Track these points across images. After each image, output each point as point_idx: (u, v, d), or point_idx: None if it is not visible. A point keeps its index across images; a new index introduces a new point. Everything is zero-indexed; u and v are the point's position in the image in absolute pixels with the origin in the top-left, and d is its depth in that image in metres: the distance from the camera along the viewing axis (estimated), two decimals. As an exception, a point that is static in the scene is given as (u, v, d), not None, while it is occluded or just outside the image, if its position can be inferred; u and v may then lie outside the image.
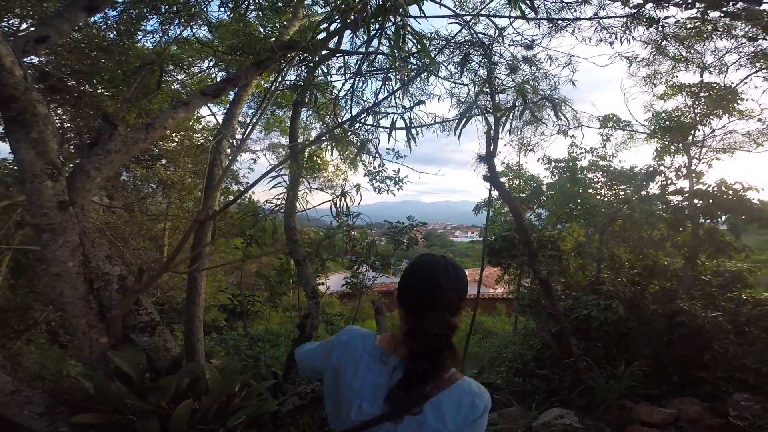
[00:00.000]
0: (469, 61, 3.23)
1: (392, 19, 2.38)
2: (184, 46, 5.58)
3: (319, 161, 7.22)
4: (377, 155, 4.43)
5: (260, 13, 4.48)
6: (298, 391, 2.57)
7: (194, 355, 3.93)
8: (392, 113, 2.28)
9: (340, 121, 5.30)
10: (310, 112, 5.60)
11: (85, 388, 1.52)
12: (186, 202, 9.82)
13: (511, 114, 3.22)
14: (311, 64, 4.32)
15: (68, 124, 5.60)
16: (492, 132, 3.65)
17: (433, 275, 1.05)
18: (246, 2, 4.24)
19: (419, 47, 2.11)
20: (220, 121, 6.59)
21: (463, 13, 4.22)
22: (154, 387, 1.54)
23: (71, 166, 3.71)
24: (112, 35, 4.98)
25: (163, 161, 8.80)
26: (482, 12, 4.29)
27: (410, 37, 2.33)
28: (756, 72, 6.26)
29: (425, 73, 2.49)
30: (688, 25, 5.05)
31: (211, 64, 6.19)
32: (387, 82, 2.72)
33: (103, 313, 1.81)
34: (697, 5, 2.82)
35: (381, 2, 2.35)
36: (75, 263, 1.77)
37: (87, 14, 2.78)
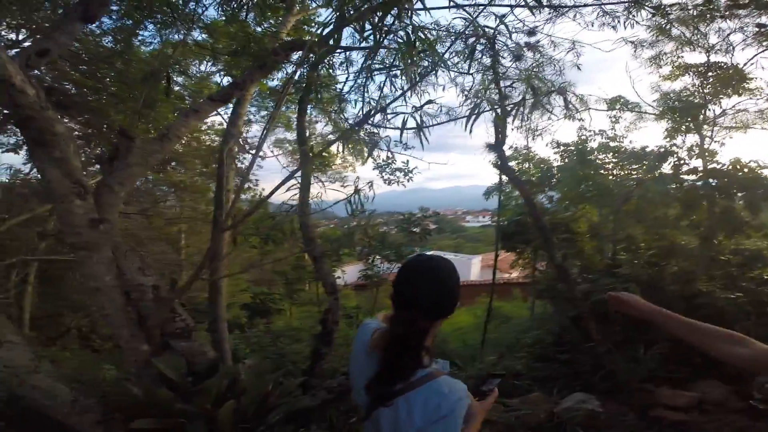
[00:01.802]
0: (474, 56, 3.21)
1: (399, 19, 2.40)
2: (183, 50, 5.62)
3: (328, 156, 7.28)
4: (387, 150, 4.47)
5: (255, 11, 4.43)
6: (326, 385, 2.66)
7: (222, 355, 4.06)
8: (402, 113, 2.31)
9: (344, 116, 5.35)
10: (316, 107, 5.63)
11: (134, 394, 1.62)
12: (199, 203, 9.99)
13: (520, 107, 3.22)
14: (314, 62, 4.34)
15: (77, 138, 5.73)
16: (500, 121, 3.65)
17: (410, 277, 1.12)
18: (240, 2, 4.22)
19: (428, 48, 2.13)
20: (226, 122, 6.66)
21: (466, 3, 4.19)
22: (198, 390, 1.64)
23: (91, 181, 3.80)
24: (109, 43, 5.01)
25: (173, 164, 8.94)
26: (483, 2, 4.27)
27: (420, 34, 2.34)
28: (762, 51, 6.10)
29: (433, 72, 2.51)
30: (690, 9, 4.92)
31: (210, 65, 6.21)
32: (394, 80, 2.75)
33: (141, 321, 1.91)
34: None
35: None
36: (111, 277, 1.87)
37: (83, 24, 2.82)
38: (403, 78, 2.55)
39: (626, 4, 4.25)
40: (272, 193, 2.75)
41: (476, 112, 2.13)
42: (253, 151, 8.90)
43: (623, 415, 3.79)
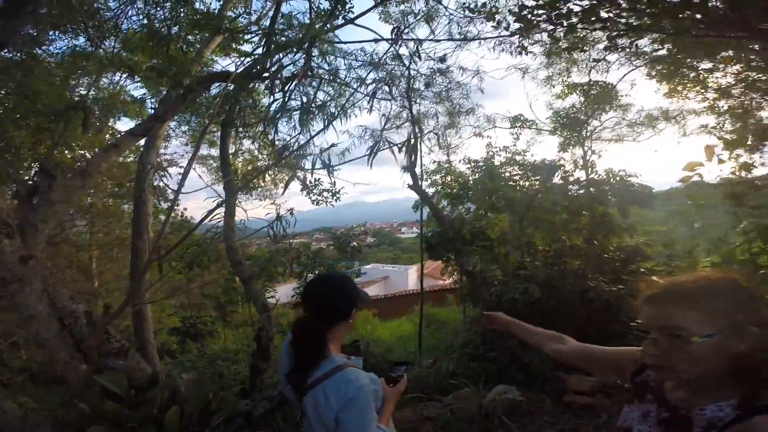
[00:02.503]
0: (381, 90, 3.72)
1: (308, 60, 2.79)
2: (94, 62, 5.36)
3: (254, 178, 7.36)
4: (311, 173, 4.76)
5: (183, 29, 4.41)
6: (267, 395, 2.87)
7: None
8: (311, 154, 2.70)
9: (269, 140, 5.54)
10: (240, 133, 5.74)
11: (81, 409, 1.74)
12: (113, 228, 9.35)
13: (417, 142, 3.78)
14: (234, 95, 4.45)
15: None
16: (411, 146, 4.20)
17: (307, 290, 1.46)
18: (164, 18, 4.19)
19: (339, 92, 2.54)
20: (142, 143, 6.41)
21: (384, 37, 4.72)
22: (143, 400, 1.81)
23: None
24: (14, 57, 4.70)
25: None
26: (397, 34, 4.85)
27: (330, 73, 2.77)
28: (632, 71, 7.50)
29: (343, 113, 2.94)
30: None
31: (125, 77, 5.95)
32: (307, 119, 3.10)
33: (77, 345, 2.01)
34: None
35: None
36: (44, 306, 1.96)
37: None
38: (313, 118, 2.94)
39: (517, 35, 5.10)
40: (200, 222, 2.93)
41: (374, 150, 2.58)
42: (173, 167, 8.62)
43: (541, 402, 4.24)
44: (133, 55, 5.26)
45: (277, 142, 5.50)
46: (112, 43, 5.10)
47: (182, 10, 4.21)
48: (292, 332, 1.42)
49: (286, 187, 3.73)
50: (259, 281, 4.88)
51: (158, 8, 4.12)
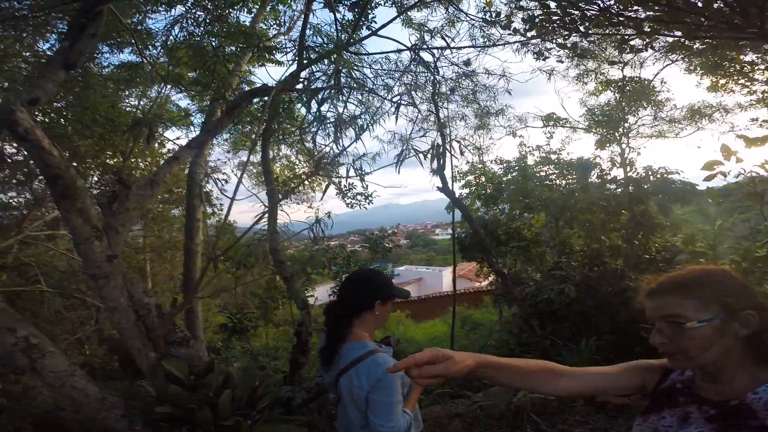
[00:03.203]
0: (407, 97, 3.89)
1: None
2: (142, 74, 5.79)
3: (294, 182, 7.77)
4: (347, 178, 5.03)
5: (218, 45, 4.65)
6: (304, 386, 3.12)
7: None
8: (345, 163, 2.94)
9: (307, 147, 5.87)
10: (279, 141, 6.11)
11: (148, 392, 2.05)
12: (165, 231, 10.11)
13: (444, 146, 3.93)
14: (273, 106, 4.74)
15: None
16: (438, 150, 4.35)
17: (348, 280, 1.66)
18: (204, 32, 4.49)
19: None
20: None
21: (406, 45, 4.88)
22: (200, 384, 2.10)
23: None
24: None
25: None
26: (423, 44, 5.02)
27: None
28: (667, 65, 7.20)
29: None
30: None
31: (170, 88, 6.43)
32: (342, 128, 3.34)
33: (148, 334, 2.35)
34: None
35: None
36: (124, 299, 2.31)
37: (65, 71, 3.11)
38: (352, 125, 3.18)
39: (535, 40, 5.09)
40: (250, 229, 3.23)
41: (401, 158, 2.77)
42: (217, 173, 9.20)
43: (572, 401, 4.12)
44: (176, 68, 5.70)
45: (313, 150, 5.85)
46: (158, 56, 5.56)
47: (218, 24, 4.55)
48: (324, 312, 1.64)
49: (324, 192, 3.99)
50: (299, 281, 5.19)
51: (198, 24, 4.45)
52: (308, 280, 5.87)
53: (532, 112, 8.91)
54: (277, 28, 4.84)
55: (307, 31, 3.65)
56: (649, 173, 7.20)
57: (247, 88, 4.27)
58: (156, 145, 7.51)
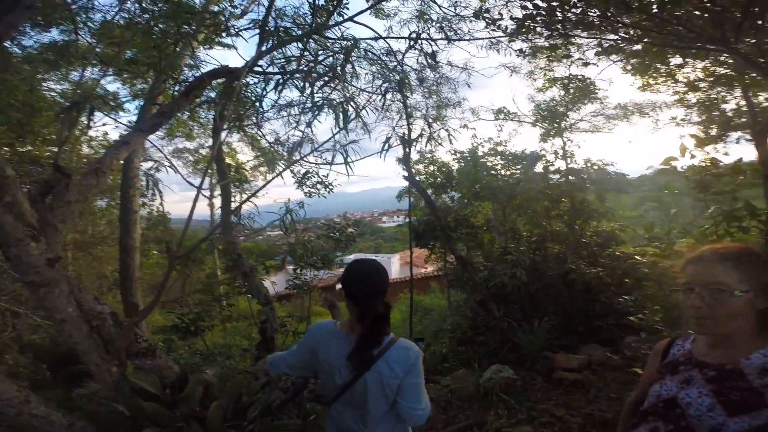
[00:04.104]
0: (390, 87, 3.80)
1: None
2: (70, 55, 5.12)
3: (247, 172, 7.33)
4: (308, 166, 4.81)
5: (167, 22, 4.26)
6: (280, 386, 2.96)
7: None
8: (331, 150, 2.78)
9: (263, 134, 5.54)
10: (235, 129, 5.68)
11: (119, 411, 1.78)
12: (89, 225, 9.06)
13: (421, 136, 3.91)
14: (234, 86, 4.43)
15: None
16: (407, 139, 4.32)
17: (370, 277, 1.50)
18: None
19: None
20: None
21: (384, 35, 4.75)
22: (181, 398, 1.87)
23: None
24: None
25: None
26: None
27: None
28: (609, 66, 7.80)
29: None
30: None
31: (99, 71, 5.76)
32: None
33: (106, 346, 2.04)
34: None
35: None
36: (73, 308, 1.98)
37: None
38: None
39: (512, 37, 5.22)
40: (214, 230, 2.93)
41: (386, 147, 2.69)
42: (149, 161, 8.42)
43: (533, 379, 4.45)
44: (120, 48, 5.09)
45: (268, 137, 5.51)
46: (93, 36, 4.92)
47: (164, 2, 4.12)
48: (375, 312, 1.46)
49: (270, 180, 3.71)
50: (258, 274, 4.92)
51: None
52: (267, 273, 5.59)
53: (484, 105, 9.20)
54: (232, 9, 4.45)
55: (271, 15, 3.38)
56: (588, 165, 7.83)
57: (202, 71, 3.86)
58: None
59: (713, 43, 2.32)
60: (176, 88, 4.51)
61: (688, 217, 3.05)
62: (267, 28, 3.68)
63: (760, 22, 2.56)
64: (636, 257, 5.25)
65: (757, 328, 1.07)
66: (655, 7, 2.67)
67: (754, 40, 2.78)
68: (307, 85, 2.75)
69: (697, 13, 2.63)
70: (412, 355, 1.47)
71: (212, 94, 5.01)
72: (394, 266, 20.85)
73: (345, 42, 3.26)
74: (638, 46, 5.00)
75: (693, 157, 2.65)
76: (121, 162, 5.76)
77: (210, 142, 9.38)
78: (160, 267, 10.72)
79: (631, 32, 2.84)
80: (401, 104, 5.42)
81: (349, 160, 2.44)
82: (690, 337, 1.26)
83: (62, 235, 2.24)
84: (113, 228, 8.45)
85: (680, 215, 3.14)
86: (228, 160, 7.53)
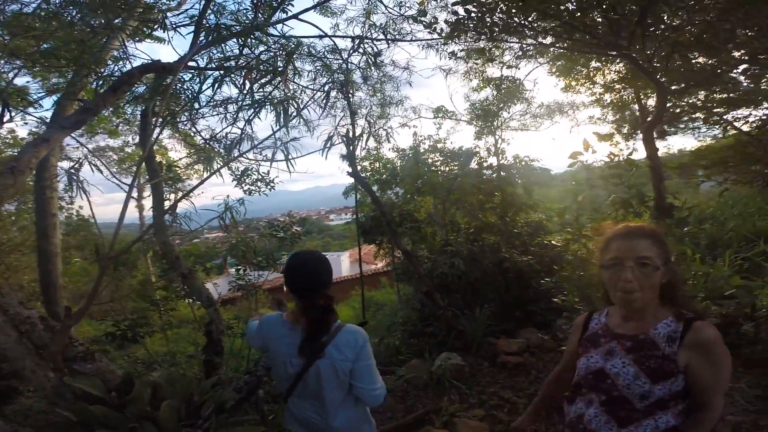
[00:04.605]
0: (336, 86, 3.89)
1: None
2: None
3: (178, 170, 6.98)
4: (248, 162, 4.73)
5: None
6: (233, 386, 2.95)
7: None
8: (272, 146, 2.83)
9: (196, 130, 5.34)
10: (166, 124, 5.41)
11: (65, 416, 1.71)
12: (4, 231, 8.13)
13: (362, 138, 4.08)
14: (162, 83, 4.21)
15: None
16: (353, 136, 4.46)
17: (313, 270, 1.50)
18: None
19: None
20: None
21: (331, 32, 4.80)
22: (129, 400, 1.85)
23: None
24: None
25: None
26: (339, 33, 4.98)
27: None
28: (536, 68, 8.50)
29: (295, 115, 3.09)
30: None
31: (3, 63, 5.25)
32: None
33: (38, 351, 1.94)
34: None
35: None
36: (-2, 315, 1.87)
37: None
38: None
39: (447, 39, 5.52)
40: (147, 231, 2.87)
41: (329, 145, 2.80)
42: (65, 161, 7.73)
43: (479, 365, 4.62)
44: (24, 41, 4.64)
45: (204, 133, 5.32)
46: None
47: None
48: (316, 304, 1.49)
49: (206, 178, 3.65)
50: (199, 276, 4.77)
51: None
52: (208, 274, 5.41)
53: (425, 104, 9.58)
54: (168, 2, 4.25)
55: (210, 9, 3.33)
56: (517, 161, 8.51)
57: (132, 66, 3.66)
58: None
59: (611, 48, 2.72)
60: (99, 83, 4.24)
61: (593, 205, 3.54)
62: (205, 23, 3.61)
63: (652, 28, 3.03)
64: (554, 242, 5.71)
65: (659, 300, 1.20)
66: (566, 14, 3.06)
67: (644, 46, 3.28)
68: (247, 82, 2.76)
69: (600, 20, 3.04)
70: (360, 338, 1.51)
71: (141, 90, 4.78)
72: (344, 264, 20.84)
73: (286, 41, 3.30)
74: (557, 51, 5.59)
75: (595, 152, 3.09)
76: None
77: (136, 139, 8.78)
78: (84, 274, 9.85)
79: (548, 38, 3.22)
80: (345, 102, 5.56)
81: (290, 157, 2.51)
82: (604, 311, 1.35)
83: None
84: (27, 234, 7.63)
85: (587, 203, 3.62)
86: (158, 158, 7.12)
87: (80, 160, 4.23)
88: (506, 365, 4.52)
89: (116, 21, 3.50)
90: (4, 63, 5.30)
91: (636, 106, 7.41)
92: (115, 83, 3.20)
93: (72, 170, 3.59)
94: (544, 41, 4.17)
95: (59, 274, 5.63)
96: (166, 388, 2.12)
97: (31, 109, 6.33)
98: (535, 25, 3.33)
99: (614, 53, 3.45)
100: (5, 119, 2.91)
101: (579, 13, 3.04)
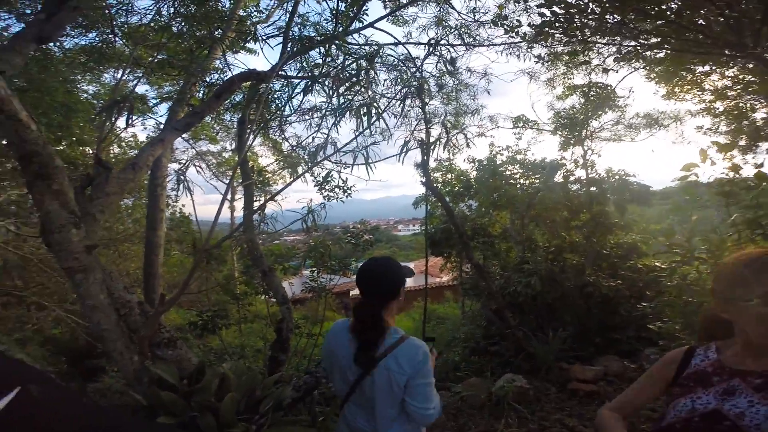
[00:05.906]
0: (410, 93, 3.87)
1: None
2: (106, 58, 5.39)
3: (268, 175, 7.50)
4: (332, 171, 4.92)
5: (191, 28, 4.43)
6: (293, 385, 3.00)
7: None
8: (353, 151, 2.85)
9: (285, 137, 5.69)
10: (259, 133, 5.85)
11: (137, 400, 1.85)
12: (116, 222, 9.39)
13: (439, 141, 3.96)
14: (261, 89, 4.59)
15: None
16: (425, 143, 4.36)
17: (370, 272, 1.53)
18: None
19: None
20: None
21: (403, 41, 4.84)
22: (198, 389, 1.93)
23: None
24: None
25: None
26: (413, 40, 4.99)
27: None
28: (630, 73, 7.68)
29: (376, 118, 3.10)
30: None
31: (128, 73, 6.01)
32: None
33: (131, 335, 2.13)
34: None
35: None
36: (104, 296, 2.09)
37: (37, 45, 2.81)
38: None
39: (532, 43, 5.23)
40: (235, 230, 3.02)
41: (405, 150, 2.74)
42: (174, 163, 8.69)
43: (546, 390, 4.39)
44: (144, 51, 5.33)
45: (291, 140, 5.65)
46: (128, 39, 5.17)
47: (194, 6, 4.30)
48: (358, 314, 1.52)
49: (290, 183, 3.80)
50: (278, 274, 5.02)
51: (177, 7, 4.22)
52: (285, 274, 5.68)
53: (503, 113, 9.16)
54: (258, 15, 4.62)
55: (294, 20, 3.51)
56: (609, 175, 7.68)
57: (232, 74, 4.03)
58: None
59: (731, 48, 2.29)
60: (204, 90, 4.72)
61: (709, 225, 2.98)
62: (291, 35, 3.83)
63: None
64: (656, 264, 5.10)
65: None
66: (671, 13, 2.67)
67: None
68: (333, 88, 2.83)
69: (714, 18, 2.61)
70: (421, 353, 1.47)
71: (238, 98, 5.23)
72: (409, 274, 20.68)
73: (367, 47, 3.34)
74: (660, 54, 4.95)
75: (714, 163, 2.60)
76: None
77: (233, 145, 9.65)
78: (180, 266, 11.04)
79: (651, 39, 2.83)
80: (420, 110, 5.51)
81: (369, 161, 2.49)
82: (712, 347, 1.21)
83: (100, 225, 2.36)
84: (139, 226, 8.75)
85: (702, 223, 3.07)
86: (250, 163, 7.74)
87: (188, 161, 4.73)
88: (577, 393, 4.20)
89: (216, 33, 3.84)
90: (129, 72, 6.19)
91: (756, 115, 6.32)
92: (218, 90, 3.51)
93: (181, 171, 4.01)
94: (646, 42, 3.72)
95: (160, 264, 6.32)
96: (233, 381, 2.19)
97: (149, 114, 7.33)
98: (635, 25, 2.98)
99: (738, 54, 2.92)
100: (131, 122, 3.32)
101: (688, 11, 2.63)
